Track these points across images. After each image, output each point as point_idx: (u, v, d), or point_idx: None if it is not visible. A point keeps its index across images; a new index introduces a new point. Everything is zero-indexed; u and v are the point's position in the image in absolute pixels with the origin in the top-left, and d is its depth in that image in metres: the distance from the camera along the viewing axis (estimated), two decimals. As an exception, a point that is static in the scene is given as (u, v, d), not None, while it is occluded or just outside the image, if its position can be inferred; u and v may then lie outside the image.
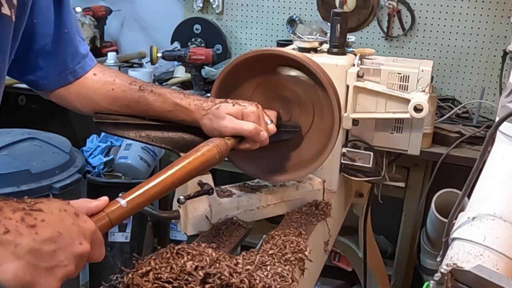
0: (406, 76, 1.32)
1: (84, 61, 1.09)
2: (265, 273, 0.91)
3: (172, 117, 1.09)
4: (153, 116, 1.10)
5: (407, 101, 1.28)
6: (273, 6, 2.92)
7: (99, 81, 1.09)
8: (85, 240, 0.70)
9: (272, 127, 1.10)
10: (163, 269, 0.83)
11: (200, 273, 0.82)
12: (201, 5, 3.02)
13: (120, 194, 1.09)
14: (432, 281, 0.89)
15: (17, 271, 0.61)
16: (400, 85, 1.32)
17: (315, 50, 1.41)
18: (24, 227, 0.62)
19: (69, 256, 0.67)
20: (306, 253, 1.06)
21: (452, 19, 2.60)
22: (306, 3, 2.83)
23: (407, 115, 1.29)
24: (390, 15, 2.68)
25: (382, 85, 1.33)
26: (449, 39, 2.63)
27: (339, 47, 1.37)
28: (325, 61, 1.29)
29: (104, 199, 0.80)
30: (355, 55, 1.40)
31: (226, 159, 1.16)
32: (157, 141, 1.12)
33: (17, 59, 0.95)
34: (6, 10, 0.84)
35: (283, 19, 2.90)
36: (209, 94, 1.20)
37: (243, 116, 1.05)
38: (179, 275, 0.82)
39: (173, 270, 0.83)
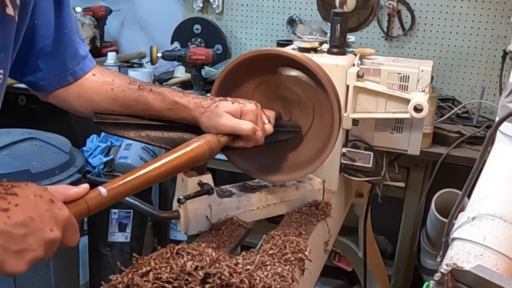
0: (406, 76, 1.32)
1: (84, 62, 1.09)
2: (265, 273, 0.91)
3: (171, 116, 1.09)
4: (153, 115, 1.10)
5: (407, 101, 1.28)
6: (273, 6, 2.92)
7: (98, 82, 1.09)
8: (57, 226, 0.72)
9: (269, 127, 1.10)
10: (163, 269, 0.83)
11: (200, 273, 0.82)
12: (201, 5, 3.02)
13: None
14: (432, 281, 0.89)
15: None
16: (400, 85, 1.32)
17: (315, 50, 1.41)
18: None
19: (39, 241, 0.69)
20: (306, 253, 1.06)
21: (452, 19, 2.60)
22: (306, 3, 2.83)
23: (407, 115, 1.29)
24: (390, 15, 2.68)
25: (382, 85, 1.33)
26: (449, 39, 2.63)
27: (339, 47, 1.37)
28: (325, 61, 1.29)
29: (85, 186, 0.81)
30: (355, 55, 1.40)
31: (226, 159, 1.16)
32: (157, 141, 1.12)
33: (18, 60, 0.96)
34: (10, 10, 0.84)
35: (283, 19, 2.90)
36: (209, 94, 1.20)
37: (241, 114, 1.06)
38: (179, 275, 0.82)
39: (173, 270, 0.83)
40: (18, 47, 0.94)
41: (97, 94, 1.09)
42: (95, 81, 1.10)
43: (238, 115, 1.05)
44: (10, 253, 0.66)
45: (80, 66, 1.09)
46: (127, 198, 1.16)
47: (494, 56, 2.55)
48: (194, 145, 0.97)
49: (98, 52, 2.97)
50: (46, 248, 0.71)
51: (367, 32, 2.72)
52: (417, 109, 1.26)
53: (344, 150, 1.37)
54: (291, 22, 2.88)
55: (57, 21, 1.02)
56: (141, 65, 2.99)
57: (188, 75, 2.69)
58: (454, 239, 0.97)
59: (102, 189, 0.82)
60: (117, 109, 1.10)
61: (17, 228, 0.67)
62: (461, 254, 0.92)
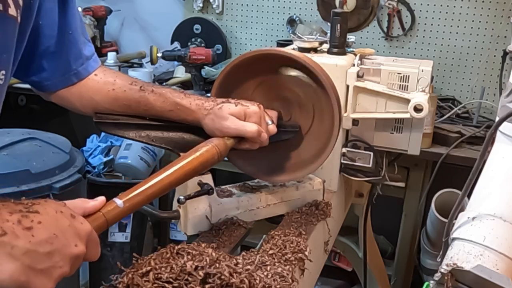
0: (406, 76, 1.32)
1: (88, 62, 1.09)
2: (265, 273, 0.91)
3: (173, 117, 1.09)
4: (154, 115, 1.10)
5: (407, 101, 1.28)
6: (273, 6, 2.92)
7: (99, 81, 1.09)
8: (81, 241, 0.71)
9: (273, 128, 1.10)
10: (163, 269, 0.83)
11: (200, 273, 0.82)
12: (201, 5, 3.02)
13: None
14: (432, 281, 0.89)
15: (13, 272, 0.62)
16: (400, 85, 1.32)
17: (315, 50, 1.41)
18: (20, 229, 0.64)
19: (65, 258, 0.68)
20: (306, 253, 1.06)
21: (452, 19, 2.60)
22: (306, 3, 2.83)
23: (407, 115, 1.29)
24: (390, 15, 2.68)
25: (382, 85, 1.33)
26: (449, 39, 2.63)
27: (339, 47, 1.37)
28: (325, 61, 1.29)
29: (101, 199, 0.80)
30: (355, 55, 1.40)
31: (226, 159, 1.16)
32: (157, 141, 1.12)
33: (23, 60, 0.96)
34: (12, 11, 0.84)
35: (283, 19, 2.90)
36: (209, 94, 1.20)
37: (245, 117, 1.05)
38: (179, 275, 0.82)
39: (173, 270, 0.83)
40: (23, 48, 0.94)
41: (99, 94, 1.09)
42: (96, 81, 1.09)
43: (242, 117, 1.05)
44: (37, 272, 0.65)
45: (84, 66, 1.08)
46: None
47: (494, 56, 2.55)
48: (203, 150, 0.97)
49: (98, 52, 2.93)
50: (72, 264, 0.69)
51: (367, 32, 2.72)
52: (417, 109, 1.26)
53: (344, 150, 1.37)
54: (291, 22, 2.88)
55: (61, 22, 1.02)
56: (141, 65, 2.99)
57: (188, 75, 2.69)
58: (454, 239, 0.97)
59: (118, 201, 0.82)
60: (118, 109, 1.10)
61: (42, 246, 0.65)
62: (461, 254, 0.92)
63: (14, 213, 0.64)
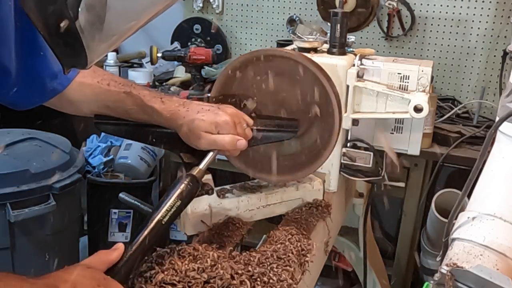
0: (406, 76, 1.32)
1: (62, 77, 1.05)
2: (265, 273, 0.91)
3: (150, 121, 1.09)
4: (134, 119, 1.10)
5: (407, 101, 1.28)
6: (273, 6, 2.92)
7: (77, 89, 1.08)
8: None
9: (248, 131, 1.10)
10: (165, 272, 0.83)
11: (204, 275, 0.82)
12: (201, 5, 3.02)
13: (121, 195, 1.09)
14: (432, 281, 0.89)
15: None
16: (400, 85, 1.32)
17: (315, 50, 1.41)
18: None
19: None
20: (306, 253, 1.06)
21: (452, 19, 2.60)
22: (306, 3, 2.83)
23: (407, 115, 1.29)
24: (390, 15, 2.68)
25: (382, 85, 1.33)
26: (449, 39, 2.63)
27: (339, 47, 1.37)
28: (325, 61, 1.29)
29: (121, 248, 0.83)
30: (355, 55, 1.40)
31: (226, 159, 1.16)
32: (157, 141, 1.12)
33: None
34: None
35: (283, 19, 2.90)
36: (209, 94, 1.20)
37: (217, 129, 1.05)
38: (183, 278, 0.82)
39: (176, 272, 0.83)
40: None
41: (76, 96, 1.08)
42: (73, 83, 1.07)
43: (214, 131, 1.05)
44: None
45: (59, 81, 1.05)
46: (127, 198, 1.16)
47: (494, 56, 2.55)
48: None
49: (98, 52, 2.96)
50: None
51: (367, 32, 2.72)
52: (417, 109, 1.26)
53: (344, 150, 1.37)
54: (291, 22, 2.88)
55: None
56: (141, 65, 2.99)
57: (188, 75, 2.68)
58: (454, 239, 0.97)
59: None
60: (98, 110, 1.09)
61: None
62: (461, 254, 0.92)
63: None
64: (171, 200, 0.92)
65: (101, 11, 0.64)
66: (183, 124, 1.06)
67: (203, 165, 1.02)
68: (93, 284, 0.69)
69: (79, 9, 0.61)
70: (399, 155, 1.52)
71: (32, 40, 0.93)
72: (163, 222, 0.89)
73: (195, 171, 0.99)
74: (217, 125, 1.05)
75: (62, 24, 0.61)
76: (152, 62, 2.60)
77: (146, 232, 0.87)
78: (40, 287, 0.63)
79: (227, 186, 1.24)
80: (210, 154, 1.05)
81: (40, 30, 0.63)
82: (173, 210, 0.91)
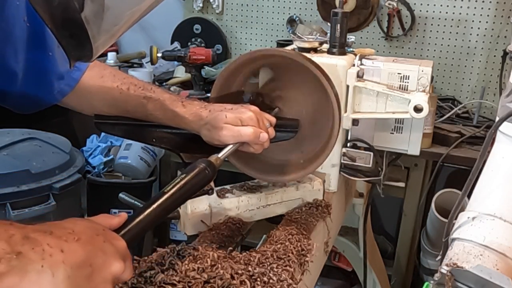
0: (406, 76, 1.32)
1: (68, 77, 1.04)
2: (265, 273, 0.91)
3: (171, 125, 1.09)
4: (153, 122, 1.10)
5: (407, 101, 1.28)
6: (273, 6, 2.92)
7: (94, 86, 1.07)
8: (120, 258, 0.66)
9: (271, 131, 1.10)
10: (165, 272, 0.83)
11: (204, 275, 0.82)
12: (201, 5, 3.02)
13: (121, 195, 1.09)
14: (432, 281, 0.89)
15: None
16: (400, 85, 1.32)
17: (315, 50, 1.41)
18: (59, 252, 0.59)
19: (106, 280, 0.64)
20: (306, 253, 1.06)
21: (452, 19, 2.60)
22: (306, 3, 2.83)
23: (407, 115, 1.29)
24: (390, 15, 2.68)
25: (382, 85, 1.33)
26: (449, 39, 2.63)
27: (339, 47, 1.37)
28: (325, 61, 1.29)
29: (124, 215, 0.76)
30: (355, 55, 1.40)
31: (226, 159, 1.16)
32: (157, 141, 1.12)
33: None
34: None
35: (283, 19, 2.91)
36: (209, 94, 1.20)
37: (241, 123, 1.05)
38: (183, 278, 0.82)
39: (176, 272, 0.83)
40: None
41: (95, 99, 1.08)
42: (93, 86, 1.07)
43: (239, 124, 1.04)
44: None
45: (66, 82, 1.04)
46: (127, 198, 1.16)
47: (494, 56, 2.55)
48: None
49: (98, 52, 2.96)
50: (113, 284, 0.65)
51: (367, 32, 2.72)
52: (417, 109, 1.26)
53: (344, 150, 1.37)
54: (291, 22, 2.88)
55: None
56: (141, 65, 2.99)
57: (188, 75, 2.68)
58: (454, 239, 0.97)
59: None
60: (117, 113, 1.10)
61: (82, 270, 0.60)
62: (461, 254, 0.92)
63: (46, 235, 0.59)
64: (186, 179, 0.85)
65: None
66: (206, 123, 1.05)
67: (222, 154, 0.98)
68: (91, 233, 0.64)
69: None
70: (399, 155, 1.52)
71: (42, 41, 0.94)
72: (173, 198, 0.81)
73: (213, 158, 0.93)
74: (241, 119, 1.04)
75: (68, 15, 0.61)
76: (152, 62, 2.60)
77: (155, 205, 0.78)
78: (29, 231, 0.58)
79: (227, 186, 1.24)
80: (231, 146, 1.03)
81: (46, 22, 0.62)
82: (185, 187, 0.83)
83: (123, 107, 1.08)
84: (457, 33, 2.61)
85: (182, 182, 0.84)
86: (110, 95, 1.08)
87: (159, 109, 1.07)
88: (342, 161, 1.38)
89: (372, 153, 1.36)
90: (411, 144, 1.38)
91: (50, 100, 1.05)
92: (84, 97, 1.08)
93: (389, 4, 2.65)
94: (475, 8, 2.55)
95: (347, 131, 1.39)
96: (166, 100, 1.08)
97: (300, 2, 2.86)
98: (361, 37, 2.73)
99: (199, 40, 3.02)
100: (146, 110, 1.07)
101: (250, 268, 0.90)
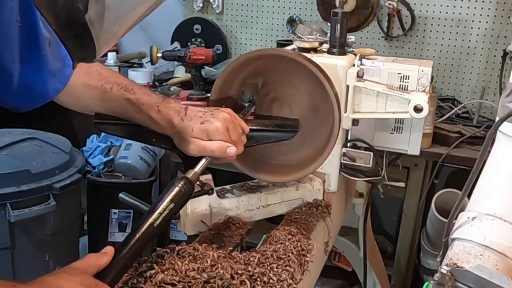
0: (406, 76, 1.32)
1: (60, 74, 1.04)
2: (266, 273, 0.91)
3: (150, 127, 1.09)
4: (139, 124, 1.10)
5: (407, 101, 1.28)
6: (273, 6, 2.92)
7: (81, 83, 1.07)
8: None
9: (243, 138, 1.09)
10: (165, 272, 0.83)
11: (204, 275, 0.82)
12: (201, 5, 3.02)
13: (120, 195, 1.09)
14: (432, 281, 0.89)
15: None
16: (400, 85, 1.32)
17: (315, 50, 1.41)
18: None
19: None
20: (307, 253, 1.06)
21: (452, 19, 2.60)
22: (306, 3, 2.83)
23: (407, 115, 1.29)
24: (390, 15, 2.68)
25: (382, 85, 1.33)
26: (449, 39, 2.63)
27: (339, 47, 1.37)
28: (325, 61, 1.29)
29: (111, 251, 0.80)
30: (355, 55, 1.40)
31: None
32: (157, 141, 1.12)
33: None
34: None
35: (283, 19, 2.90)
36: (209, 94, 1.20)
37: (208, 136, 1.04)
38: (183, 278, 0.82)
39: (176, 272, 0.83)
40: None
41: (85, 98, 1.08)
42: (80, 83, 1.07)
43: (205, 138, 1.04)
44: None
45: (58, 79, 1.04)
46: (127, 198, 1.16)
47: (494, 56, 2.55)
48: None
49: (98, 52, 2.96)
50: None
51: (367, 32, 2.72)
52: (417, 109, 1.26)
53: (344, 150, 1.37)
54: (291, 22, 2.88)
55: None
56: (141, 65, 2.99)
57: (188, 75, 2.68)
58: (454, 239, 0.97)
59: None
60: (107, 113, 1.09)
61: None
62: (461, 254, 0.92)
63: None
64: (164, 203, 0.88)
65: None
66: (177, 132, 1.06)
67: (198, 168, 1.00)
68: None
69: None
70: (399, 155, 1.52)
71: (35, 40, 0.93)
72: (155, 225, 0.85)
73: (190, 174, 0.96)
74: (207, 132, 1.04)
75: (72, 16, 0.62)
76: (152, 62, 2.60)
77: (137, 236, 0.83)
78: None
79: (227, 186, 1.24)
80: (204, 160, 1.03)
81: (51, 24, 0.63)
82: (165, 213, 0.87)
83: (109, 107, 1.08)
84: (457, 33, 2.61)
85: (161, 207, 0.87)
86: (96, 94, 1.08)
87: (138, 112, 1.07)
88: (342, 161, 1.38)
89: (372, 153, 1.36)
90: (411, 144, 1.38)
91: (45, 98, 1.05)
92: (73, 95, 1.07)
93: (389, 4, 2.65)
94: (475, 8, 2.55)
95: (347, 131, 1.39)
96: (145, 104, 1.07)
97: (300, 2, 2.86)
98: (361, 37, 2.73)
99: (199, 40, 3.02)
100: (129, 113, 1.07)
101: (250, 268, 0.90)
